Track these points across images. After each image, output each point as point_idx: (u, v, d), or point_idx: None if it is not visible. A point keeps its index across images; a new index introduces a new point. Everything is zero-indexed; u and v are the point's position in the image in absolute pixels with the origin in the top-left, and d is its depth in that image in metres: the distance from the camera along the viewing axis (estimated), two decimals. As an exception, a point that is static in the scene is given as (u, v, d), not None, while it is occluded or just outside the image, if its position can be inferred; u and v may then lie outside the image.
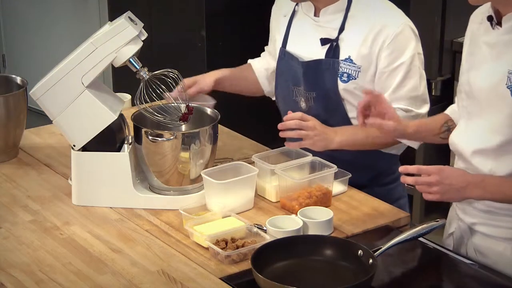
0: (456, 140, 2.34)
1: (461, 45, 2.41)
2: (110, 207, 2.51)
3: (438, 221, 2.26)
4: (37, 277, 2.14)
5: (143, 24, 2.50)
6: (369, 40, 2.60)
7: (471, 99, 2.28)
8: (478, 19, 2.30)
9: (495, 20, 2.21)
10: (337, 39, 2.64)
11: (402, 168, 2.24)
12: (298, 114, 2.51)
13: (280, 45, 2.78)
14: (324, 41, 2.66)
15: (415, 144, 2.65)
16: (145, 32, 2.49)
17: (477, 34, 2.29)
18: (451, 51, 4.11)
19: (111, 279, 2.13)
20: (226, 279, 2.12)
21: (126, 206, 2.50)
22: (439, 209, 2.59)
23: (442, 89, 4.24)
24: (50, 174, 2.75)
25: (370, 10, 2.63)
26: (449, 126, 2.44)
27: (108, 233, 2.37)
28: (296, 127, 2.49)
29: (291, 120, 2.49)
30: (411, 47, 2.60)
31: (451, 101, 2.42)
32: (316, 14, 2.70)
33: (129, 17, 2.47)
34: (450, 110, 2.49)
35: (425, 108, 2.65)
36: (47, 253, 2.26)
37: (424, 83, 2.65)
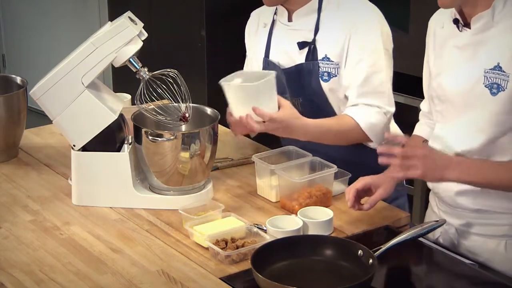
0: (436, 145, 2.35)
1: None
2: (110, 207, 2.51)
3: (438, 221, 2.26)
4: (37, 277, 2.14)
5: (143, 24, 2.50)
6: (342, 36, 2.61)
7: (445, 103, 2.30)
8: (439, 23, 2.35)
9: (461, 22, 2.23)
10: (313, 40, 2.64)
11: (383, 149, 2.19)
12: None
13: (263, 55, 2.78)
14: (301, 45, 2.66)
15: None
16: (145, 32, 2.49)
17: (443, 38, 2.31)
18: (451, 51, 4.11)
19: (111, 279, 2.13)
20: (226, 279, 2.12)
21: (126, 206, 2.50)
22: (439, 209, 2.60)
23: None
24: (50, 174, 2.75)
25: (340, 8, 2.64)
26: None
27: (108, 233, 2.37)
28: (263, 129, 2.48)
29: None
30: (377, 42, 2.60)
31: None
32: (289, 19, 2.71)
33: (129, 17, 2.47)
34: (419, 129, 2.50)
35: (393, 108, 2.65)
36: (47, 253, 2.26)
37: (389, 82, 2.64)
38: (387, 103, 2.63)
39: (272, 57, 2.74)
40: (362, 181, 2.37)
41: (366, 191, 2.38)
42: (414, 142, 2.47)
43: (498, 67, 2.17)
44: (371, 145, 2.72)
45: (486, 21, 2.19)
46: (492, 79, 2.17)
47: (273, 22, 2.76)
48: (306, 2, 2.66)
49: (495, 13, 2.18)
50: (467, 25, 2.24)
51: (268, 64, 2.75)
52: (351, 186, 2.38)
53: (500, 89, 2.16)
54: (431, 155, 2.17)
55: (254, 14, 2.88)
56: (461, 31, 2.25)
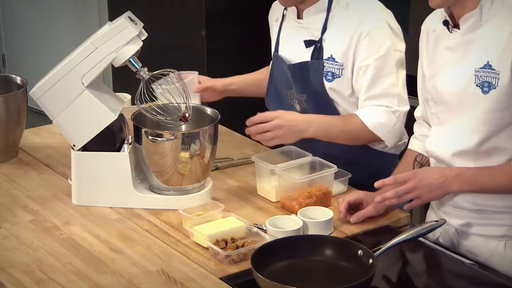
0: (432, 147, 2.35)
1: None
2: (110, 207, 2.51)
3: (438, 221, 2.26)
4: (37, 277, 2.14)
5: (143, 24, 2.50)
6: (348, 37, 2.61)
7: (440, 105, 2.31)
8: (431, 26, 2.36)
9: (451, 23, 2.24)
10: (320, 39, 2.65)
11: (379, 183, 2.27)
12: (255, 118, 2.56)
13: (273, 49, 2.80)
14: (308, 43, 2.67)
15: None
16: (145, 32, 2.49)
17: (435, 41, 2.33)
18: (451, 51, 4.11)
19: (111, 279, 2.13)
20: (226, 279, 2.12)
21: (126, 206, 2.50)
22: (439, 209, 2.60)
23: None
24: (50, 174, 2.75)
25: (349, 8, 2.64)
26: (420, 161, 2.47)
27: (108, 233, 2.37)
28: (259, 131, 2.55)
29: (252, 127, 2.55)
30: (386, 43, 2.59)
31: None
32: (299, 16, 2.71)
33: (129, 17, 2.47)
34: (414, 142, 2.52)
35: (405, 108, 2.64)
36: (47, 253, 2.26)
37: (402, 81, 2.64)
38: (397, 103, 2.62)
39: (281, 52, 2.76)
40: (355, 195, 2.40)
41: (357, 205, 2.40)
42: (403, 166, 2.49)
43: (488, 65, 2.18)
44: (379, 147, 2.71)
45: (474, 20, 2.20)
46: (483, 77, 2.19)
47: (283, 17, 2.78)
48: (316, 0, 2.66)
49: (482, 13, 2.19)
50: (456, 26, 2.25)
51: (276, 59, 2.77)
52: (344, 198, 2.41)
53: (491, 87, 2.17)
54: (422, 181, 2.22)
55: (272, 7, 2.89)
56: (451, 32, 2.26)
